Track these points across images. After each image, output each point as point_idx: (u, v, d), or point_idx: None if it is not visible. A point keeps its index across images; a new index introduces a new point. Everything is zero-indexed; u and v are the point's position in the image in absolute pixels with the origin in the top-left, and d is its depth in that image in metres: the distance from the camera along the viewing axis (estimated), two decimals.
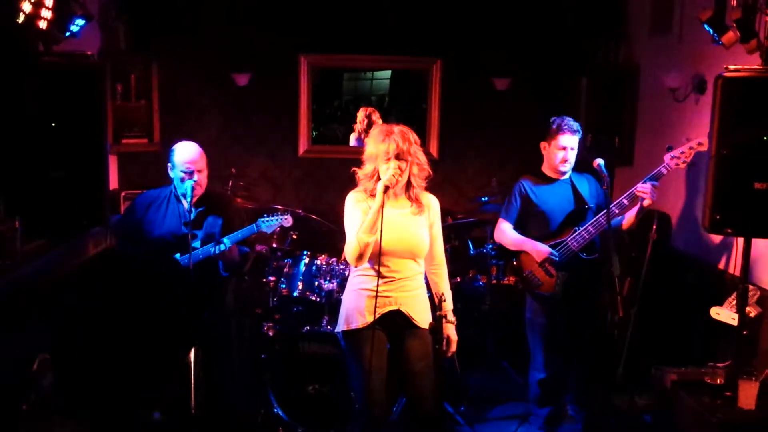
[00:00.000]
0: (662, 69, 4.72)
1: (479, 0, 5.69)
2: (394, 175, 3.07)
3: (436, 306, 3.16)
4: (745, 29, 3.23)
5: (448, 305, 3.26)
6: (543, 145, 3.90)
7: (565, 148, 3.80)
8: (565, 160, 3.81)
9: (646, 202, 3.65)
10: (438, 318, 3.14)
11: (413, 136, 3.17)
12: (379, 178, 3.12)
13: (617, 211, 3.72)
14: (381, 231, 3.02)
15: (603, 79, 5.56)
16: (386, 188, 3.05)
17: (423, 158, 3.21)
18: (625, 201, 3.70)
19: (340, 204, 3.28)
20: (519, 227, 3.96)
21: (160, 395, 3.83)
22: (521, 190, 3.92)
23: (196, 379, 3.61)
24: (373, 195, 3.12)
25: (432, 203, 3.31)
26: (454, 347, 3.28)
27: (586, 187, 3.91)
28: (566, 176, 3.91)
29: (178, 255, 3.66)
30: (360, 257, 3.10)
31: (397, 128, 3.15)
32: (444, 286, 3.35)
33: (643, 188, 3.63)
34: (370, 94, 5.88)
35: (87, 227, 3.32)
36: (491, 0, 5.69)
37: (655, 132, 5.00)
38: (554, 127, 3.83)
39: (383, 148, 3.11)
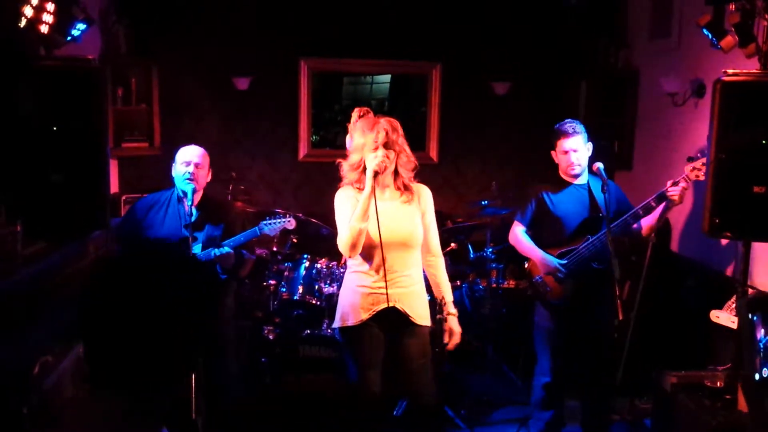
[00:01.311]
0: (661, 73, 4.74)
1: (479, 5, 5.71)
2: (383, 162, 3.07)
3: (436, 309, 3.15)
4: (743, 33, 3.24)
5: (448, 297, 3.25)
6: (552, 153, 3.91)
7: (567, 152, 3.80)
8: (571, 164, 3.81)
9: (677, 197, 3.59)
10: (438, 321, 3.14)
11: (400, 128, 3.18)
12: (365, 169, 3.12)
13: (631, 221, 3.72)
14: (377, 215, 3.03)
15: (602, 83, 5.58)
16: (375, 174, 3.06)
17: (409, 150, 3.22)
18: (641, 211, 3.69)
19: None
20: (533, 231, 3.96)
21: (162, 397, 3.83)
22: (538, 194, 3.92)
23: (197, 382, 3.61)
24: (361, 189, 3.13)
25: (422, 191, 3.30)
26: (457, 339, 3.26)
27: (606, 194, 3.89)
28: (582, 180, 3.89)
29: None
30: (353, 246, 3.09)
31: (383, 119, 3.16)
32: (442, 278, 3.34)
33: (674, 189, 3.60)
34: (369, 98, 5.90)
35: (88, 231, 3.32)
36: (491, 5, 5.71)
37: (655, 136, 5.02)
38: (554, 133, 3.84)
39: (371, 137, 3.11)
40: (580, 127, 3.82)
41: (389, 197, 3.23)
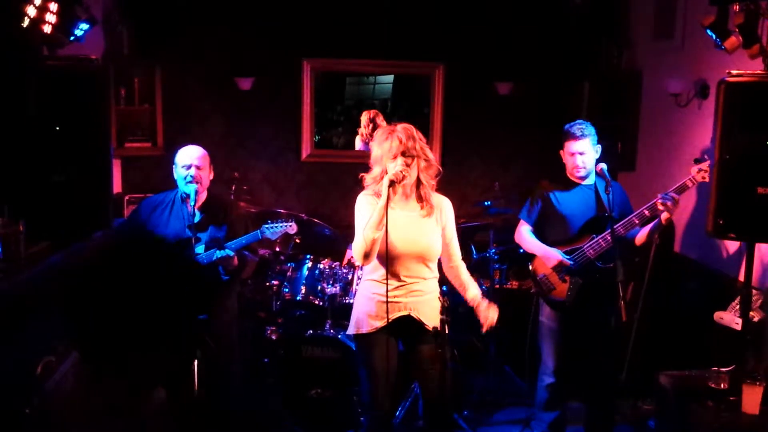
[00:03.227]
0: (665, 74, 4.73)
1: (482, 5, 5.70)
2: (401, 171, 3.04)
3: (441, 310, 3.13)
4: (747, 34, 3.23)
5: (475, 290, 3.28)
6: (561, 153, 3.91)
7: (574, 154, 3.79)
8: (576, 166, 3.80)
9: (664, 215, 3.61)
10: (441, 322, 3.13)
11: (418, 133, 3.15)
12: None
13: (637, 221, 3.71)
14: (387, 227, 3.01)
15: (605, 84, 5.56)
16: (391, 183, 3.03)
17: (431, 155, 3.19)
18: (647, 212, 3.68)
19: (343, 208, 3.29)
20: (538, 230, 3.96)
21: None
22: (543, 193, 3.92)
23: (199, 380, 3.61)
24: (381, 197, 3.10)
25: (443, 204, 3.28)
26: (493, 321, 3.23)
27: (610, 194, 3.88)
28: (590, 181, 3.89)
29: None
30: (366, 255, 3.07)
31: (400, 126, 3.14)
32: (465, 277, 3.33)
33: (665, 200, 3.59)
34: (372, 99, 5.89)
35: (91, 231, 3.33)
36: (494, 5, 5.70)
37: (658, 137, 5.01)
38: (563, 134, 3.83)
39: (387, 147, 3.09)
40: (589, 130, 3.81)
41: (410, 208, 3.22)
